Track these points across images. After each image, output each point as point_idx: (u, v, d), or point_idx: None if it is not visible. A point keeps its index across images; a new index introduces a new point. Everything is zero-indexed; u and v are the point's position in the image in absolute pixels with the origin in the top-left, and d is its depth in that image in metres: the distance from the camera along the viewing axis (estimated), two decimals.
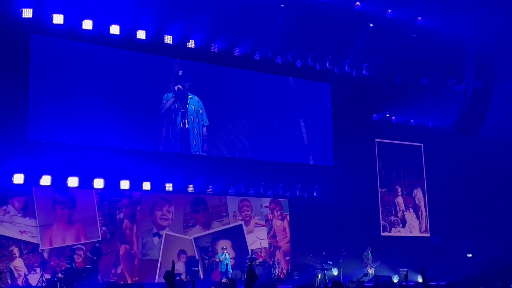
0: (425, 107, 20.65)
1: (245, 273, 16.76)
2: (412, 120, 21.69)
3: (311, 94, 20.19)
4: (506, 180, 21.50)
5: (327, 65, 19.73)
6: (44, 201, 15.86)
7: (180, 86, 17.81)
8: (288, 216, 19.42)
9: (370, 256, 18.98)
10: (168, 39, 17.41)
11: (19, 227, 15.44)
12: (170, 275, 6.52)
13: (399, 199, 21.66)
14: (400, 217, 21.55)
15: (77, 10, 15.95)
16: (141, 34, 16.98)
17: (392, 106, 20.93)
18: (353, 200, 19.47)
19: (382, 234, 20.93)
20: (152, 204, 17.32)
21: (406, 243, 21.11)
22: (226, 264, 16.98)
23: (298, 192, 19.33)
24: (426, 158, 22.19)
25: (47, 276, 15.11)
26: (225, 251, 17.15)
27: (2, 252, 15.13)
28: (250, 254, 18.31)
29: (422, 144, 22.18)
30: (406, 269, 19.03)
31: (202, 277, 17.27)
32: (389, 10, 18.56)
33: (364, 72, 20.22)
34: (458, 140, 20.55)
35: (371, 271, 18.60)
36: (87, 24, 16.16)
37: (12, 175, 15.21)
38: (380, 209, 21.09)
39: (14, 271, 15.24)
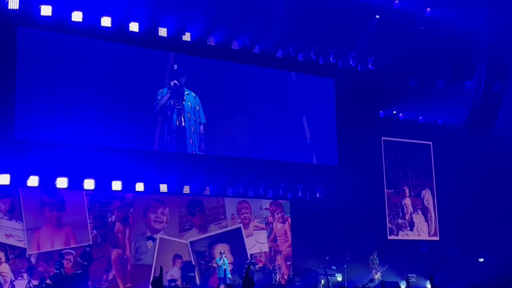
0: (435, 104, 20.43)
1: (242, 279, 16.23)
2: (420, 117, 21.39)
3: (314, 89, 19.92)
4: None
5: (331, 59, 19.46)
6: (31, 203, 15.53)
7: (176, 82, 17.53)
8: (289, 219, 19.11)
9: (376, 260, 18.69)
10: (163, 32, 17.07)
11: (5, 230, 15.10)
12: (158, 281, 6.54)
13: (407, 201, 21.37)
14: (407, 219, 21.25)
15: (66, 1, 15.59)
16: (134, 27, 16.63)
17: (399, 102, 20.68)
18: (358, 201, 19.23)
19: (389, 237, 20.64)
20: (145, 206, 17.00)
21: (414, 247, 20.84)
22: (225, 269, 16.79)
23: (300, 193, 19.01)
24: (436, 158, 21.91)
25: (35, 282, 14.78)
26: (223, 256, 16.93)
27: None
28: (250, 258, 17.99)
29: (431, 143, 21.92)
30: (414, 275, 18.98)
31: (198, 283, 16.95)
32: (396, 1, 18.26)
33: (369, 66, 19.95)
34: (469, 138, 20.24)
35: (377, 276, 18.34)
36: (77, 16, 15.81)
37: None
38: (386, 211, 20.81)
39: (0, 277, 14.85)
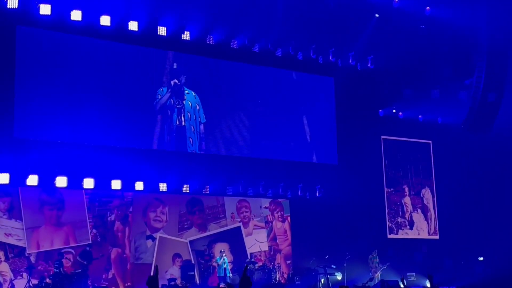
0: (434, 103, 20.38)
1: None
2: (420, 116, 21.32)
3: (314, 88, 19.84)
4: None
5: (330, 57, 19.42)
6: (31, 202, 15.47)
7: (176, 81, 17.48)
8: (289, 218, 19.04)
9: (376, 259, 18.63)
10: (162, 31, 17.01)
11: (5, 229, 15.03)
12: (153, 280, 6.46)
13: (407, 200, 21.30)
14: (407, 218, 21.19)
15: (65, 0, 15.55)
16: (133, 26, 16.58)
17: (399, 101, 20.62)
18: (357, 200, 19.18)
19: (389, 236, 20.56)
20: (145, 205, 16.93)
21: (414, 246, 20.78)
22: (225, 268, 16.72)
23: (299, 192, 18.94)
24: (435, 156, 21.85)
25: (34, 282, 14.69)
26: (223, 255, 16.87)
27: None
28: (249, 257, 17.92)
29: (430, 141, 21.87)
30: (414, 273, 18.94)
31: (198, 282, 16.86)
32: (396, 0, 18.20)
33: (369, 65, 19.93)
34: (469, 137, 20.17)
35: (377, 275, 18.26)
36: (76, 15, 15.77)
37: None
38: (386, 210, 20.73)
39: None
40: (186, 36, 17.32)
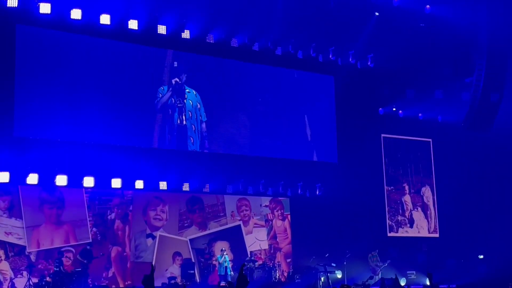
0: (434, 101, 20.34)
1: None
2: (420, 114, 21.28)
3: (314, 87, 19.80)
4: None
5: (330, 56, 19.38)
6: (31, 201, 15.46)
7: (177, 80, 17.44)
8: (289, 216, 19.00)
9: (377, 257, 18.61)
10: (162, 29, 16.99)
11: (5, 228, 15.03)
12: (148, 279, 6.41)
13: (407, 198, 21.27)
14: (407, 216, 21.16)
15: None
16: (133, 24, 16.55)
17: (399, 99, 20.57)
18: (358, 199, 19.14)
19: (389, 234, 20.53)
20: (145, 204, 16.92)
21: (414, 244, 20.76)
22: (226, 267, 16.66)
23: (299, 191, 18.90)
24: (435, 155, 21.80)
25: (35, 280, 14.66)
26: (224, 253, 16.83)
27: None
28: (249, 256, 17.90)
29: (430, 140, 21.82)
30: (414, 272, 18.90)
31: (198, 280, 16.82)
32: None
33: (369, 63, 19.87)
34: (469, 135, 20.11)
35: (378, 275, 18.19)
36: (76, 14, 15.75)
37: None
38: (386, 208, 20.70)
39: None
40: (186, 34, 17.29)
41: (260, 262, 17.80)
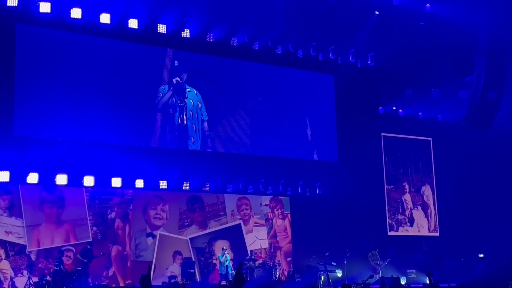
0: (434, 100, 20.29)
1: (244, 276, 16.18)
2: (420, 113, 21.21)
3: (314, 85, 19.74)
4: None
5: (330, 55, 19.31)
6: (31, 200, 15.42)
7: (178, 79, 17.40)
8: (289, 215, 18.94)
9: (377, 256, 18.56)
10: (162, 28, 16.96)
11: (5, 227, 14.99)
12: (145, 279, 6.26)
13: (407, 197, 21.21)
14: (407, 215, 21.11)
15: None
16: (133, 23, 16.51)
17: (399, 98, 20.53)
18: (358, 197, 19.06)
19: (389, 233, 20.46)
20: (145, 203, 16.88)
21: (414, 243, 20.71)
22: (227, 265, 16.63)
23: (300, 190, 18.85)
24: (435, 153, 21.73)
25: (35, 279, 14.62)
26: (225, 252, 16.81)
27: None
28: (249, 255, 17.85)
29: (431, 139, 21.74)
30: (414, 270, 18.86)
31: (198, 279, 16.78)
32: None
33: (369, 62, 19.78)
34: (469, 134, 20.06)
35: (378, 274, 18.14)
36: (76, 13, 15.72)
37: None
38: (386, 207, 20.63)
39: (0, 274, 14.75)
40: (186, 33, 17.24)
41: (260, 261, 17.74)
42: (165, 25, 16.93)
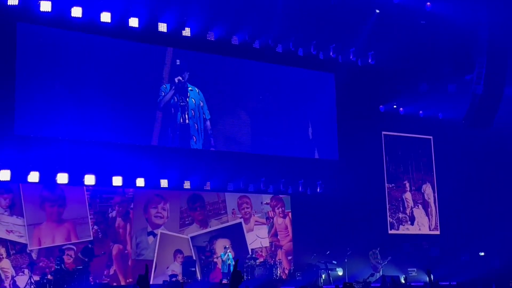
0: (435, 98, 20.23)
1: (243, 274, 16.19)
2: (421, 112, 21.22)
3: (314, 84, 19.73)
4: None
5: (331, 53, 19.30)
6: (32, 199, 15.43)
7: (180, 78, 17.39)
8: (290, 214, 18.95)
9: (378, 255, 18.54)
10: (162, 27, 16.95)
11: (6, 226, 14.99)
12: (143, 279, 6.35)
13: (407, 195, 21.20)
14: (408, 214, 21.10)
15: None
16: (133, 22, 16.50)
17: (399, 97, 20.52)
18: (358, 196, 19.05)
19: (390, 232, 20.47)
20: (146, 202, 16.88)
21: (415, 241, 20.66)
22: (229, 264, 16.64)
23: (300, 188, 18.85)
24: (436, 152, 21.74)
25: (36, 278, 14.66)
26: (227, 251, 16.80)
27: None
28: (250, 253, 17.83)
29: (431, 137, 21.75)
30: (415, 269, 18.84)
31: (199, 278, 16.79)
32: None
33: (370, 61, 19.78)
34: (470, 132, 20.04)
35: (379, 272, 18.15)
36: (76, 12, 15.72)
37: None
38: (387, 205, 20.63)
39: (1, 272, 14.79)
40: (186, 32, 17.23)
41: (261, 259, 17.74)
42: (165, 24, 16.91)
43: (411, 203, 21.21)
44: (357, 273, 17.83)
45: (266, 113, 18.68)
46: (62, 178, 15.42)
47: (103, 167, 15.81)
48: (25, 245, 15.07)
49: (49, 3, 15.37)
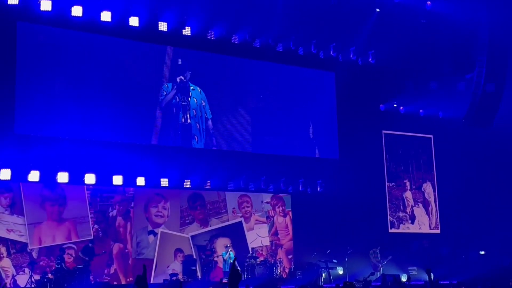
0: (435, 97, 20.24)
1: (244, 273, 16.20)
2: (421, 111, 21.20)
3: (315, 83, 19.72)
4: None
5: (331, 52, 19.30)
6: (32, 198, 15.43)
7: (182, 78, 17.36)
8: (290, 213, 18.93)
9: (378, 254, 18.52)
10: (163, 26, 16.95)
11: (6, 225, 15.01)
12: (141, 280, 6.24)
13: (408, 194, 21.20)
14: (408, 212, 21.10)
15: None
16: (133, 21, 16.52)
17: (400, 95, 20.50)
18: (359, 195, 19.05)
19: (390, 230, 20.48)
20: (146, 201, 16.87)
21: (415, 240, 20.67)
22: (230, 263, 16.40)
23: (301, 187, 18.84)
24: (436, 151, 21.74)
25: (36, 277, 14.70)
26: (229, 250, 16.79)
27: None
28: (251, 252, 17.81)
29: (432, 136, 21.75)
30: (415, 268, 18.83)
31: (200, 277, 16.77)
32: None
33: (370, 60, 19.81)
34: (470, 131, 20.08)
35: (380, 271, 18.12)
36: (77, 11, 15.73)
37: None
38: (387, 204, 20.63)
39: (1, 271, 14.78)
40: (187, 31, 17.22)
41: (262, 258, 17.72)
42: (165, 23, 16.91)
43: (411, 202, 21.21)
44: (357, 272, 17.81)
45: (266, 112, 18.68)
46: (63, 177, 15.43)
47: (103, 166, 15.81)
48: (26, 244, 15.07)
49: (49, 2, 15.37)
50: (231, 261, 16.35)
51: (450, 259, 19.47)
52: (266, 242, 18.35)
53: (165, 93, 17.23)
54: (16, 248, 14.98)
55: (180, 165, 17.02)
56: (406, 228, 20.91)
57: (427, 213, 21.44)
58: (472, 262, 19.45)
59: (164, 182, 16.84)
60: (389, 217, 20.57)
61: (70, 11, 15.63)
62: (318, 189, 19.03)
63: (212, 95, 17.95)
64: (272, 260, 17.84)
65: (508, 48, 18.24)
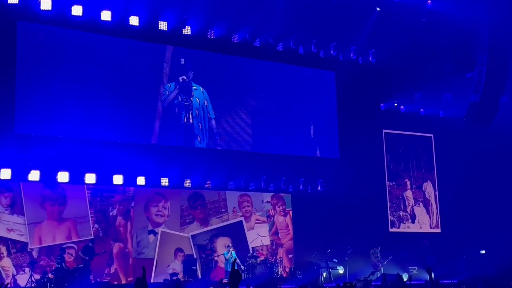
0: (435, 96, 20.27)
1: (244, 273, 16.19)
2: (421, 110, 21.21)
3: (315, 82, 19.71)
4: None
5: (332, 52, 19.29)
6: (32, 198, 15.44)
7: (185, 77, 17.37)
8: (290, 212, 18.92)
9: (378, 254, 18.52)
10: (163, 26, 16.94)
11: (7, 225, 15.01)
12: (141, 282, 6.27)
13: (408, 193, 21.21)
14: (409, 212, 21.12)
15: None
16: (134, 20, 16.51)
17: (400, 95, 20.51)
18: (359, 194, 19.05)
19: (391, 230, 20.50)
20: (147, 200, 16.87)
21: (416, 240, 20.67)
22: (232, 263, 16.41)
23: (301, 187, 18.84)
24: (437, 150, 21.77)
25: (37, 277, 14.69)
26: (230, 249, 16.76)
27: None
28: (251, 252, 17.81)
29: (432, 135, 21.78)
30: (416, 267, 18.82)
31: (200, 276, 16.76)
32: None
33: (370, 59, 19.81)
34: (471, 130, 19.95)
35: (380, 271, 18.13)
36: (77, 10, 15.72)
37: None
38: (388, 203, 20.65)
39: (1, 271, 14.79)
40: (187, 30, 17.21)
41: (262, 258, 17.70)
42: (166, 22, 16.90)
43: (412, 201, 21.23)
44: (358, 272, 17.81)
45: (266, 111, 18.67)
46: (63, 176, 15.42)
47: (103, 165, 15.80)
48: (26, 244, 15.07)
49: (49, 1, 15.36)
50: (233, 260, 16.40)
51: (451, 258, 19.44)
52: (267, 241, 18.34)
53: (167, 93, 17.23)
54: (16, 248, 14.98)
55: (180, 165, 17.00)
56: (407, 227, 20.92)
57: (428, 213, 21.45)
58: (473, 261, 19.45)
59: (165, 181, 16.83)
60: (389, 217, 20.59)
61: (70, 11, 15.62)
62: (319, 188, 19.03)
63: (214, 94, 17.93)
64: (273, 260, 17.83)
65: (509, 47, 18.20)
